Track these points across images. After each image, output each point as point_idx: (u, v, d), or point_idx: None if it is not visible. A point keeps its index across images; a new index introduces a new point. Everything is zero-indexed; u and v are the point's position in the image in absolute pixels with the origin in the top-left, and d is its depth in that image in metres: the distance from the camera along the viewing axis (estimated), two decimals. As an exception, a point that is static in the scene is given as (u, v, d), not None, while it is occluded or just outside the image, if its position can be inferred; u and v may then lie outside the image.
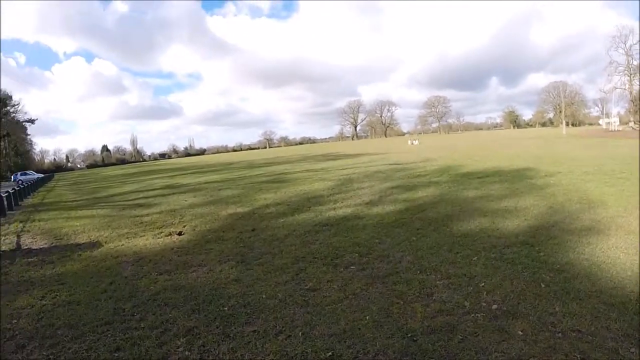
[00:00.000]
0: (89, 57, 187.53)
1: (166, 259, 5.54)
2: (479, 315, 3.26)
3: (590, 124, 69.12)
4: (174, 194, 13.48)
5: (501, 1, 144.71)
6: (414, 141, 42.59)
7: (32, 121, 67.70)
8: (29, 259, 6.16)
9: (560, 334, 2.91)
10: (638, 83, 56.79)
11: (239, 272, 4.80)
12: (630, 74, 58.12)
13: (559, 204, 7.22)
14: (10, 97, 61.88)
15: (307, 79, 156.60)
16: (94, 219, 9.38)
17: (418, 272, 4.33)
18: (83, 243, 6.99)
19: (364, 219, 7.25)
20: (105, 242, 6.91)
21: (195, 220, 8.34)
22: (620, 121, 49.49)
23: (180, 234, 7.18)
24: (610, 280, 3.80)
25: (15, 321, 3.80)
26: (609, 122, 49.17)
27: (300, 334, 3.13)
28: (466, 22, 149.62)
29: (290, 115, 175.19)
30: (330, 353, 2.82)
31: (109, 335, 3.33)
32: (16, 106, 62.89)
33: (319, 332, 3.15)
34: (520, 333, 2.95)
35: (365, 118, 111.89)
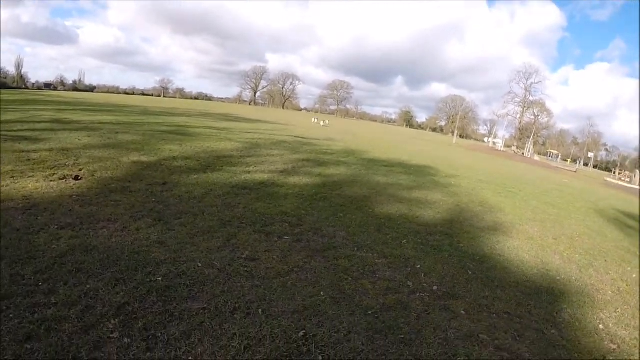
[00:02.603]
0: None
1: (65, 209, 4.84)
2: (424, 295, 3.70)
3: (476, 140, 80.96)
4: (64, 130, 11.49)
5: (431, 9, 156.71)
6: (324, 121, 41.43)
7: None
8: None
9: (495, 315, 3.52)
10: (528, 116, 70.11)
11: (159, 232, 4.43)
12: (524, 107, 71.44)
13: (464, 203, 8.37)
14: None
15: (218, 32, 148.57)
16: None
17: (355, 249, 4.64)
18: None
19: (283, 187, 7.32)
20: None
21: (93, 164, 7.33)
22: (504, 143, 59.09)
23: (77, 178, 6.36)
24: (523, 274, 4.68)
25: None
26: (495, 142, 58.49)
27: (260, 312, 3.05)
28: (391, 18, 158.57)
29: (191, 67, 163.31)
30: (302, 332, 2.84)
31: (12, 315, 2.66)
32: None
33: (280, 310, 3.12)
34: (464, 312, 3.46)
35: (266, 86, 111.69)
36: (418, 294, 3.69)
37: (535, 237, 6.55)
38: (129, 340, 2.55)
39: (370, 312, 3.22)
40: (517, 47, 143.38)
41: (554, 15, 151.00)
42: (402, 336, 2.95)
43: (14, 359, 2.28)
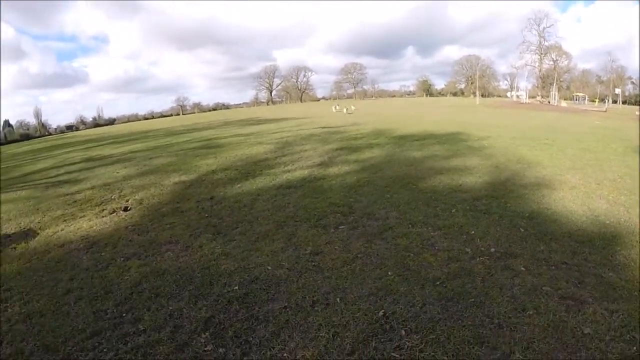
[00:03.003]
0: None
1: (126, 240, 5.08)
2: (484, 258, 3.86)
3: (499, 96, 78.32)
4: (99, 166, 12.08)
5: None
6: (348, 107, 35.65)
7: None
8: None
9: (554, 267, 3.65)
10: (547, 62, 67.24)
11: (221, 245, 4.64)
12: (541, 54, 68.57)
13: (502, 163, 8.35)
14: None
15: (221, 41, 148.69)
16: (16, 203, 8.03)
17: (410, 226, 4.83)
18: (13, 233, 5.98)
19: (325, 179, 7.56)
20: (40, 229, 6.00)
21: (137, 192, 7.73)
22: (528, 95, 56.96)
23: (126, 209, 6.65)
24: (573, 224, 4.74)
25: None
26: (518, 95, 56.40)
27: (337, 300, 3.24)
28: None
29: (202, 80, 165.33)
30: (381, 312, 3.03)
31: (105, 349, 2.83)
32: None
33: (355, 295, 3.31)
34: (524, 269, 3.61)
35: (280, 83, 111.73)
36: (478, 259, 3.85)
37: (578, 185, 6.50)
38: (223, 350, 2.72)
39: (438, 283, 3.42)
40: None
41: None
42: (472, 299, 3.14)
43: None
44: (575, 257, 3.84)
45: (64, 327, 3.16)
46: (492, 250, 4.03)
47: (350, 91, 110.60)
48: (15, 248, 5.27)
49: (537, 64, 70.62)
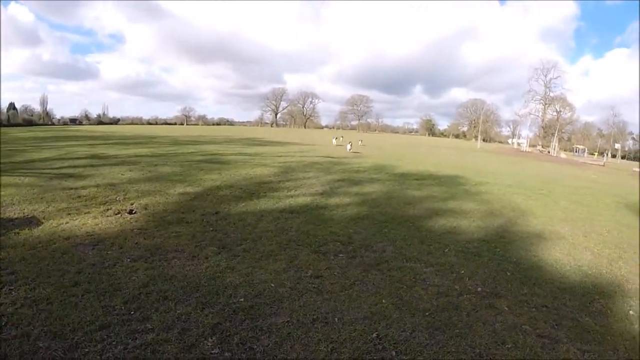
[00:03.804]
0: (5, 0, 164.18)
1: (132, 243, 5.25)
2: (470, 296, 4.22)
3: (500, 142, 79.92)
4: (104, 165, 12.33)
5: (443, 13, 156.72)
6: (351, 143, 28.02)
7: None
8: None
9: (534, 309, 4.01)
10: (551, 112, 69.30)
11: (227, 259, 4.86)
12: (545, 104, 70.64)
13: (497, 210, 8.77)
14: None
15: (235, 58, 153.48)
16: (20, 189, 8.17)
17: (404, 261, 5.19)
18: (16, 218, 6.14)
19: (326, 209, 7.92)
20: (44, 219, 6.17)
21: (142, 198, 7.96)
22: (529, 143, 58.18)
23: (131, 212, 6.87)
24: (557, 272, 5.12)
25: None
26: (519, 143, 57.69)
27: (336, 320, 3.54)
28: (404, 28, 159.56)
29: (211, 94, 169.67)
30: (375, 334, 3.34)
31: (114, 343, 2.97)
32: None
33: (352, 317, 3.61)
34: (507, 308, 3.97)
35: (287, 107, 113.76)
36: (465, 296, 4.21)
37: (567, 236, 6.91)
38: (229, 354, 2.93)
39: (427, 314, 3.76)
40: (534, 42, 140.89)
41: (567, 5, 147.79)
42: (457, 331, 3.48)
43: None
44: (556, 302, 4.21)
45: (71, 316, 3.29)
46: (479, 289, 4.39)
47: (354, 123, 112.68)
48: (18, 233, 5.40)
49: (541, 113, 72.61)
